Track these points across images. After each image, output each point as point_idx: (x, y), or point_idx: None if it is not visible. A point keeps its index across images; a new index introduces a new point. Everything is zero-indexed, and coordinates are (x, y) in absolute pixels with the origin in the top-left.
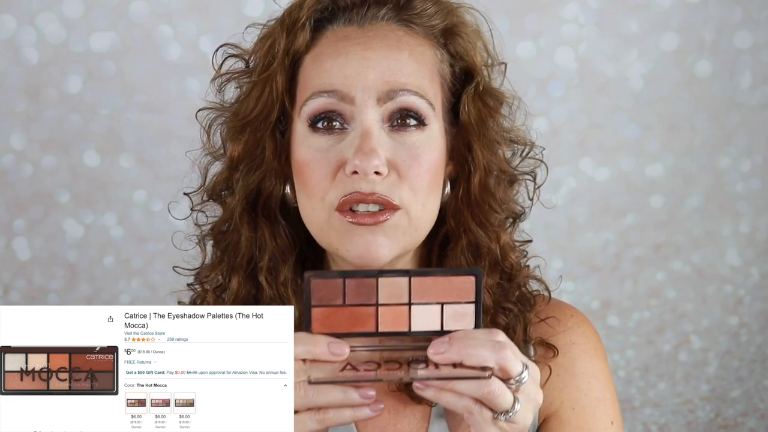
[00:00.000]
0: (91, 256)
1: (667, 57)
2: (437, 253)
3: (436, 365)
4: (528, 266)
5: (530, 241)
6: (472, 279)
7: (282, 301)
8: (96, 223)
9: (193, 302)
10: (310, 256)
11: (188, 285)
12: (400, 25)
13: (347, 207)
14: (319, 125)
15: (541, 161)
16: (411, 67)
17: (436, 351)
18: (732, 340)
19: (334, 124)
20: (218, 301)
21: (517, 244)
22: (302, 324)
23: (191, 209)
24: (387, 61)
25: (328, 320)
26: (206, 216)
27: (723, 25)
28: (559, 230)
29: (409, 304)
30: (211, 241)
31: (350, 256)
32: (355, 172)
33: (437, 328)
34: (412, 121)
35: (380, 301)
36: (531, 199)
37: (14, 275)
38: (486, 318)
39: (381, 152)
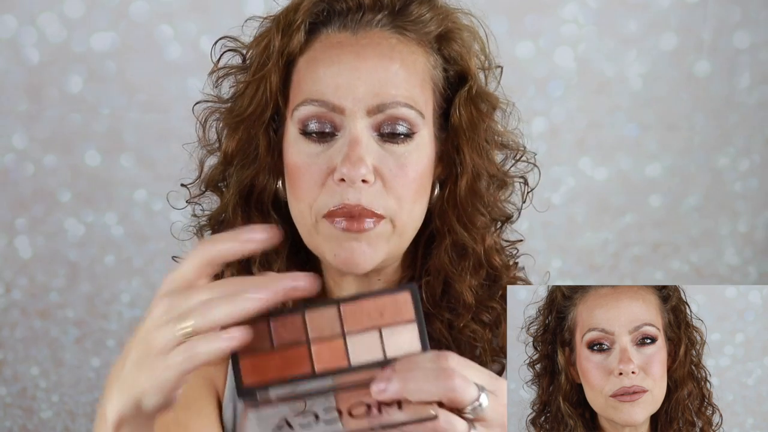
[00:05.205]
0: (92, 255)
1: (665, 57)
2: (423, 252)
3: (379, 407)
4: (516, 264)
5: (521, 240)
6: (408, 295)
7: None
8: (97, 222)
9: None
10: (302, 249)
11: None
12: (393, 32)
13: (334, 217)
14: (310, 129)
15: (534, 165)
16: (401, 77)
17: (377, 387)
18: None
19: (325, 130)
20: None
21: (506, 243)
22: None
23: (187, 201)
24: (378, 72)
25: (258, 369)
26: (202, 208)
27: (722, 25)
28: (558, 229)
29: (343, 334)
30: (209, 231)
31: (335, 262)
32: (343, 180)
33: (380, 356)
34: (402, 130)
35: (311, 337)
36: (523, 202)
37: (16, 273)
38: (468, 315)
39: (368, 160)
